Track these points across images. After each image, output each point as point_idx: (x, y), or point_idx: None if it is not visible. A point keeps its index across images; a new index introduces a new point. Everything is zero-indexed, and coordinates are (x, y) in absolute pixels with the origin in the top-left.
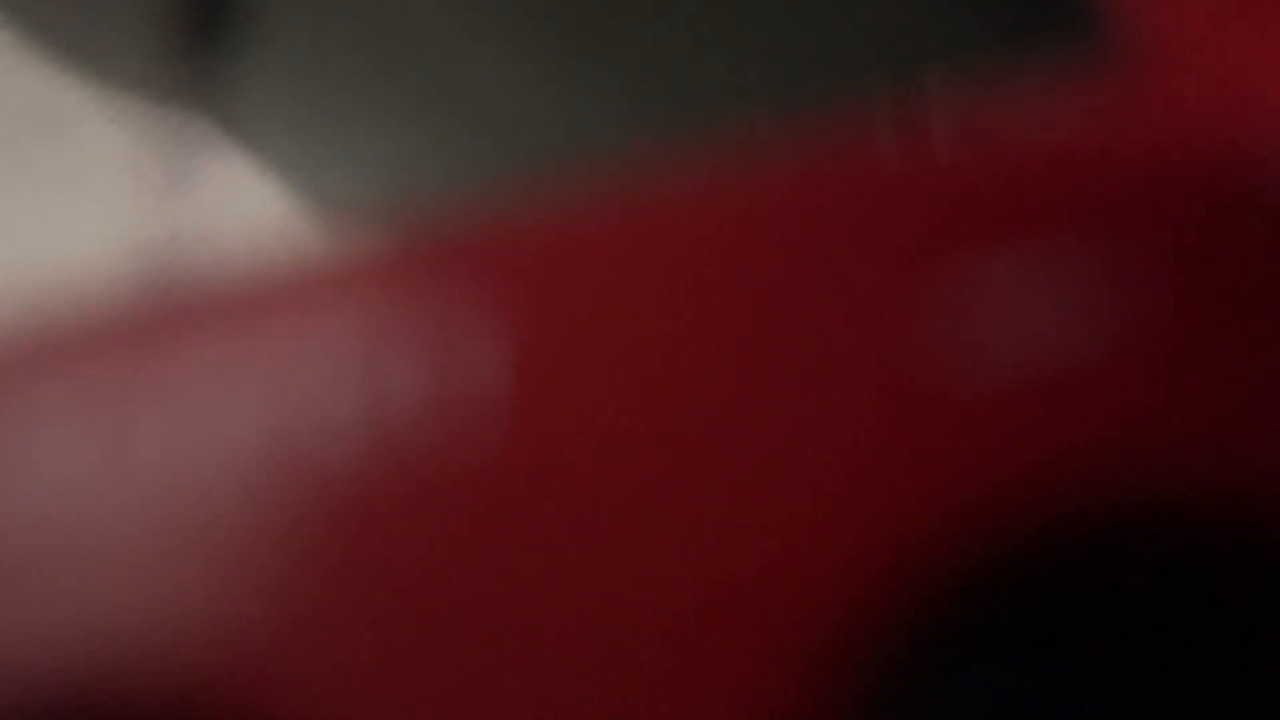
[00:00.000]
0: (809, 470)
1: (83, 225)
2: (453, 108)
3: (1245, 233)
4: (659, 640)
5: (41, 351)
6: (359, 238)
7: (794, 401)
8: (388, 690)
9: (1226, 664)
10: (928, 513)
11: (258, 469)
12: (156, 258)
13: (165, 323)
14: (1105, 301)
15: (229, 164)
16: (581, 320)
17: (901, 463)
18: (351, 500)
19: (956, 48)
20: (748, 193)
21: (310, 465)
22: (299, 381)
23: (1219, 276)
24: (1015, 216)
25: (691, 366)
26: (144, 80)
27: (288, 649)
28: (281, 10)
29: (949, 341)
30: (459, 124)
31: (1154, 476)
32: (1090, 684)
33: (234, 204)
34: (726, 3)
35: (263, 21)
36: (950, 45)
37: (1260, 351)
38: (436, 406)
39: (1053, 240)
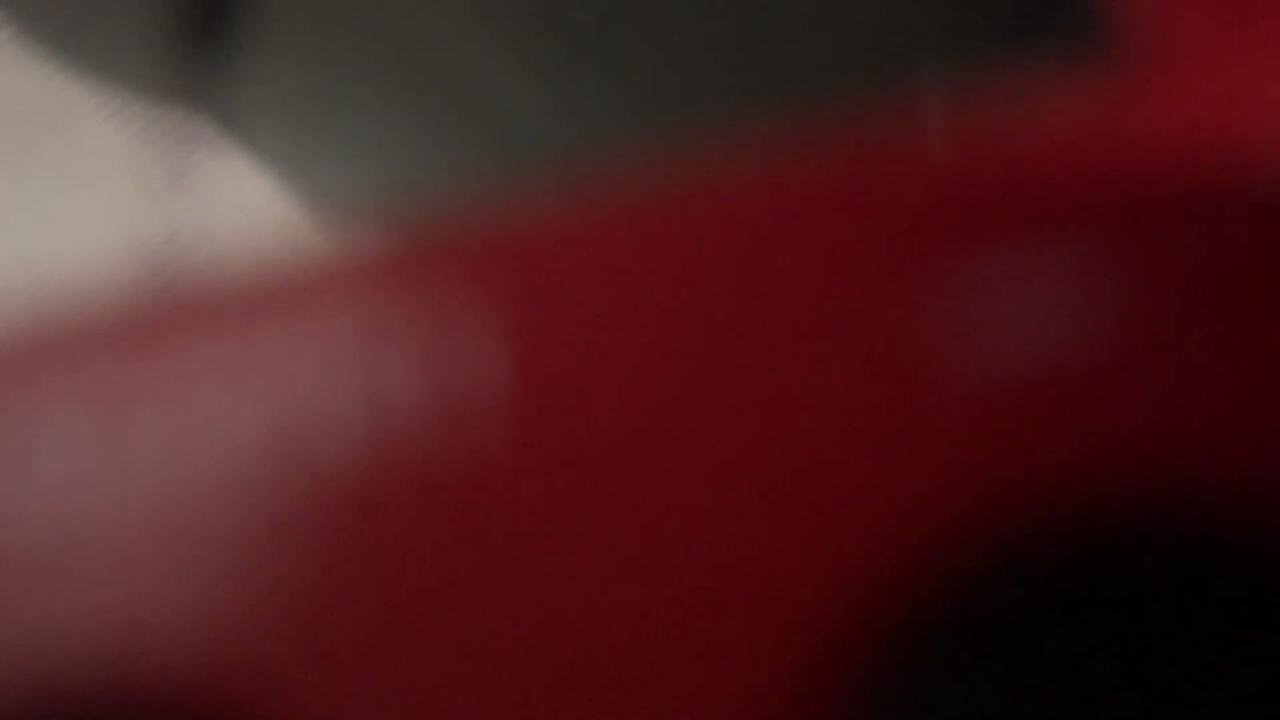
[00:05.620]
0: (809, 469)
1: (82, 224)
2: (453, 107)
3: (1244, 232)
4: (658, 639)
5: (41, 351)
6: (359, 238)
7: (793, 401)
8: (386, 689)
9: (1227, 665)
10: (926, 512)
11: (257, 468)
12: (156, 257)
13: (165, 322)
14: (1105, 301)
15: (229, 163)
16: (581, 320)
17: (901, 462)
18: (350, 499)
19: (956, 47)
20: (748, 192)
21: (310, 464)
22: (299, 381)
23: (1218, 276)
24: (1015, 216)
25: (690, 366)
26: (144, 79)
27: (287, 648)
28: (281, 9)
29: (949, 341)
30: (460, 123)
31: (1154, 475)
32: (1089, 684)
33: (234, 203)
34: (726, 3)
35: (263, 20)
36: (950, 45)
37: (1259, 350)
38: (436, 406)
39: (1052, 240)
